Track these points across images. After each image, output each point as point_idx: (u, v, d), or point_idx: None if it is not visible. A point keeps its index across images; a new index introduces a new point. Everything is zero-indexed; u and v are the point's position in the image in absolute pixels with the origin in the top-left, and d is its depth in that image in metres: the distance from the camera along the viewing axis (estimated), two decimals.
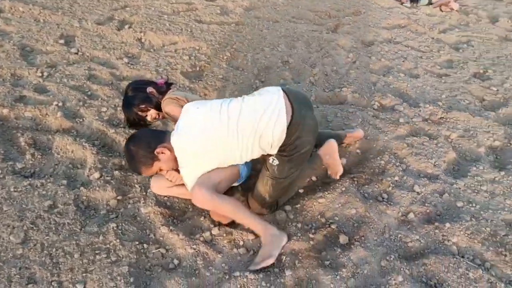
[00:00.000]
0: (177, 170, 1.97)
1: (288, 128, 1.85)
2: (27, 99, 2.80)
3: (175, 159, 1.90)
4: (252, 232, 1.94)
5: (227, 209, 1.85)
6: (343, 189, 2.20)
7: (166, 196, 2.13)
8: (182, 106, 2.05)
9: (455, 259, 1.84)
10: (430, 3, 5.54)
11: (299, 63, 3.62)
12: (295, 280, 1.71)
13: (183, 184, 1.98)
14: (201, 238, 1.89)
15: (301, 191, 2.26)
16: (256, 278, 1.68)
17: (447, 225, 2.00)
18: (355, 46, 4.10)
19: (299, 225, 2.02)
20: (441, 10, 5.41)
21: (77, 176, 2.22)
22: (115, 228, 1.88)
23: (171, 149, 1.90)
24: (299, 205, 2.13)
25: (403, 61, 3.82)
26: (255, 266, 1.73)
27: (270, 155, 1.98)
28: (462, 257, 1.87)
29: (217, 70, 3.39)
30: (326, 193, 2.17)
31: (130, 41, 3.77)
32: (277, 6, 5.06)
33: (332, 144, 2.21)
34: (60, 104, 2.74)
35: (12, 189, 2.04)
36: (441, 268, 1.79)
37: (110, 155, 2.40)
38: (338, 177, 2.24)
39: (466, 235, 1.96)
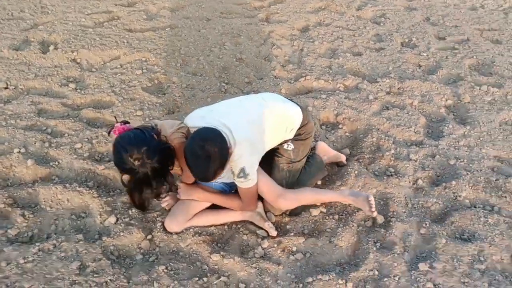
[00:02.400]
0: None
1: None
2: None
3: None
4: (300, 234, 1.96)
5: (310, 197, 2.06)
6: (356, 172, 2.33)
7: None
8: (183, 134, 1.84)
9: (472, 210, 2.10)
10: None
11: (253, 58, 3.63)
12: (366, 271, 1.78)
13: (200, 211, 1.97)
14: (256, 255, 1.85)
15: (319, 182, 2.32)
16: (330, 278, 1.72)
17: (453, 182, 2.26)
18: (294, 34, 4.23)
19: (336, 216, 2.09)
20: None
21: (89, 226, 1.96)
22: (165, 270, 1.73)
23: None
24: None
25: (342, 42, 4.08)
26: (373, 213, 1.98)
27: (285, 142, 2.09)
28: (475, 207, 2.14)
29: (177, 80, 3.23)
30: (344, 180, 2.28)
31: (64, 64, 3.36)
32: (201, 3, 4.93)
33: (322, 145, 2.42)
34: (23, 150, 2.36)
35: (21, 261, 1.73)
36: (467, 221, 2.03)
37: (112, 194, 2.16)
38: (345, 161, 2.42)
39: (470, 187, 2.25)
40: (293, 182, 2.12)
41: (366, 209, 1.98)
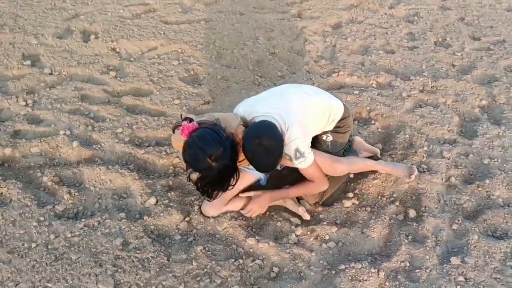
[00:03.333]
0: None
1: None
2: (25, 133, 2.49)
3: None
4: (333, 224, 2.00)
5: (360, 165, 2.20)
6: None
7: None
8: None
9: (505, 209, 2.10)
10: None
11: (285, 53, 3.68)
12: (398, 262, 1.82)
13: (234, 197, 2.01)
14: (290, 241, 1.91)
15: (351, 176, 2.36)
16: (363, 267, 1.77)
17: (487, 181, 2.26)
18: (327, 30, 4.25)
19: (368, 208, 2.13)
20: None
21: (130, 206, 2.06)
22: (203, 251, 1.82)
23: None
24: (357, 190, 2.23)
25: (374, 39, 4.07)
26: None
27: (325, 133, 2.13)
28: (508, 206, 2.14)
29: (212, 71, 3.31)
30: (377, 174, 2.30)
31: (105, 52, 3.49)
32: None
33: (358, 140, 2.46)
34: (68, 132, 2.49)
35: (69, 235, 1.84)
36: (500, 220, 2.04)
37: (152, 177, 2.26)
38: (379, 155, 2.46)
39: (504, 187, 2.24)
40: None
41: (406, 175, 2.16)
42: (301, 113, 1.92)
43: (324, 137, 2.13)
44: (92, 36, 3.68)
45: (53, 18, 3.98)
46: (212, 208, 1.99)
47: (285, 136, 1.82)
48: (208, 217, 2.00)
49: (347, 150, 2.29)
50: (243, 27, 4.15)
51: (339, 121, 2.13)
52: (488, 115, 2.95)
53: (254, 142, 1.72)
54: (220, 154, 1.62)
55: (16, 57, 3.25)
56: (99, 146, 2.43)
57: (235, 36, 3.93)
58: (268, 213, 2.08)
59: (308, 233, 1.96)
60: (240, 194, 2.04)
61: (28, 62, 3.22)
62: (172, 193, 2.13)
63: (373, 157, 2.45)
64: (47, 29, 3.72)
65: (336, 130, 2.14)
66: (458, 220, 2.03)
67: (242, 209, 2.03)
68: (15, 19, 3.85)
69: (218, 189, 1.72)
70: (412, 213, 2.08)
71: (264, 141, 1.71)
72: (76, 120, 2.59)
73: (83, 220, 1.93)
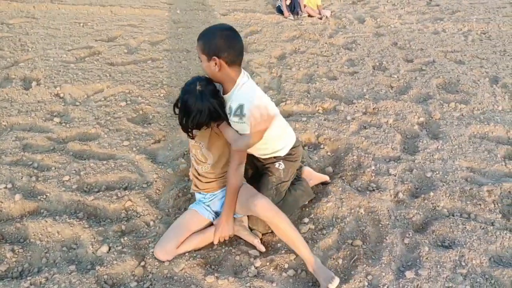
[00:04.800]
0: None
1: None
2: None
3: None
4: (291, 251, 2.01)
5: (285, 222, 1.87)
6: (340, 189, 2.43)
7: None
8: None
9: (450, 219, 2.22)
10: (309, 15, 6.27)
11: None
12: (356, 283, 1.85)
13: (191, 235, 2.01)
14: (250, 274, 1.89)
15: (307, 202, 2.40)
16: None
17: (431, 194, 2.39)
18: (272, 62, 4.43)
19: (324, 231, 2.16)
20: (319, 18, 6.16)
21: (81, 257, 1.96)
22: None
23: None
24: (312, 215, 2.27)
25: (317, 67, 4.28)
26: None
27: (277, 161, 2.18)
28: (453, 215, 2.26)
29: (161, 110, 3.31)
30: (330, 196, 2.37)
31: (48, 99, 3.41)
32: (179, 36, 5.12)
33: (307, 169, 2.50)
34: (10, 185, 2.36)
35: None
36: (446, 229, 2.14)
37: (103, 224, 2.17)
38: (329, 180, 2.54)
39: (447, 197, 2.38)
40: (277, 203, 2.12)
41: (325, 282, 1.79)
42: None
43: (277, 165, 2.17)
44: (34, 83, 3.59)
45: None
46: (163, 252, 1.93)
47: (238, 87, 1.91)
48: (163, 262, 1.94)
49: (298, 181, 2.34)
50: (190, 64, 4.22)
51: (291, 149, 2.19)
52: (426, 131, 3.15)
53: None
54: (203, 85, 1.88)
55: None
56: (44, 196, 2.31)
57: (183, 73, 3.98)
58: (226, 248, 2.05)
59: (267, 263, 1.95)
60: (194, 234, 2.02)
61: None
62: (125, 238, 2.06)
63: (324, 183, 2.51)
64: None
65: (288, 158, 2.19)
66: (409, 234, 2.11)
67: (195, 249, 2.01)
68: None
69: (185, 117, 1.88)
70: (366, 232, 2.14)
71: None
72: (18, 171, 2.47)
73: (28, 278, 1.80)
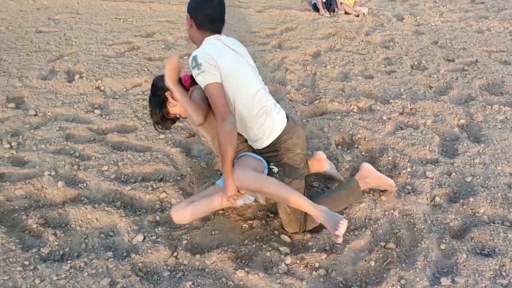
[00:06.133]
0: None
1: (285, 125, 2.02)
2: (9, 176, 2.47)
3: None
4: (323, 251, 2.00)
5: (273, 186, 1.80)
6: (374, 190, 2.38)
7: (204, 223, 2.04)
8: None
9: (491, 226, 2.12)
10: (346, 12, 6.16)
11: (268, 83, 3.77)
12: (389, 286, 1.81)
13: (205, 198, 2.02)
14: (280, 271, 1.89)
15: None
16: None
17: (471, 199, 2.30)
18: (306, 59, 4.39)
19: (357, 232, 2.13)
20: (356, 16, 6.04)
21: (117, 244, 2.04)
22: (193, 286, 1.79)
23: None
24: (344, 215, 2.24)
25: (353, 65, 4.21)
26: (339, 239, 1.71)
27: (269, 164, 2.04)
28: (493, 223, 2.17)
29: None
30: (363, 197, 2.32)
31: (89, 91, 3.54)
32: None
33: (366, 166, 2.30)
34: (53, 173, 2.48)
35: (54, 278, 1.80)
36: (486, 237, 2.06)
37: (139, 213, 2.24)
38: (394, 189, 2.32)
39: (488, 203, 2.28)
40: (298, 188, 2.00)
41: (332, 229, 1.72)
42: (233, 55, 1.91)
43: (274, 170, 2.02)
44: (77, 76, 3.73)
45: (37, 60, 4.03)
46: (175, 210, 1.98)
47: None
48: (197, 252, 1.98)
49: (349, 180, 2.19)
50: None
51: (275, 144, 1.99)
52: (467, 134, 3.03)
53: None
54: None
55: (0, 101, 3.26)
56: (84, 185, 2.41)
57: None
58: (257, 243, 2.06)
59: (298, 261, 1.94)
60: (203, 199, 2.02)
61: (13, 104, 3.23)
62: (160, 228, 2.11)
63: (389, 190, 2.33)
64: (32, 71, 3.76)
65: (274, 157, 2.01)
66: (446, 240, 2.05)
67: (206, 213, 2.06)
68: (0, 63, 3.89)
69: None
70: (400, 235, 2.09)
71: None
72: (61, 160, 2.59)
73: (69, 261, 1.89)
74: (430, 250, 1.98)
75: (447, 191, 2.41)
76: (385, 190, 2.37)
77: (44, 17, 5.23)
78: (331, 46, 4.81)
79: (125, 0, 6.15)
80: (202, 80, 1.82)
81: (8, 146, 2.71)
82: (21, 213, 2.19)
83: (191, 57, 1.85)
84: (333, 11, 6.15)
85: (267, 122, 1.97)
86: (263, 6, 6.37)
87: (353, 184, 2.26)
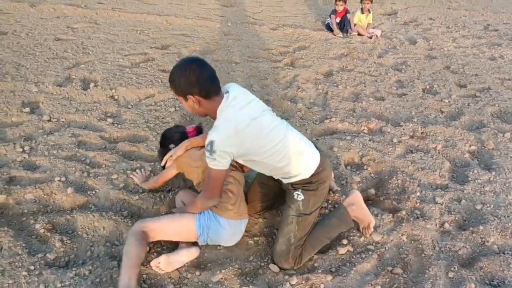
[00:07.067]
0: None
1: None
2: (20, 180, 2.50)
3: None
4: (328, 272, 1.98)
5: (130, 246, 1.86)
6: (383, 216, 2.35)
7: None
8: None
9: (501, 256, 2.09)
10: (359, 34, 6.22)
11: (279, 100, 3.79)
12: None
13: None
14: None
15: None
16: None
17: (480, 227, 2.27)
18: (318, 78, 4.42)
19: (363, 255, 2.10)
20: (369, 37, 6.10)
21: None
22: None
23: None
24: (351, 237, 2.22)
25: (364, 86, 4.22)
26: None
27: (295, 190, 2.02)
28: (503, 253, 2.13)
29: (208, 118, 3.38)
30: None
31: (103, 100, 3.59)
32: (229, 47, 5.23)
33: (356, 194, 2.24)
34: (63, 179, 2.50)
35: (58, 285, 1.80)
36: (496, 267, 2.02)
37: None
38: (371, 230, 2.20)
39: (498, 233, 2.25)
40: (302, 238, 1.99)
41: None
42: (251, 121, 1.83)
43: (295, 195, 2.00)
44: (92, 84, 3.79)
45: (54, 67, 4.11)
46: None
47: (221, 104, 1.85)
48: (201, 266, 1.96)
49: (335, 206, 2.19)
50: (238, 75, 4.31)
51: (311, 176, 1.99)
52: (478, 160, 3.01)
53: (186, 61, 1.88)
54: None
55: (16, 105, 3.32)
56: (93, 192, 2.43)
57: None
58: (262, 260, 2.05)
59: (303, 282, 1.92)
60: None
61: (28, 109, 3.29)
62: (165, 240, 2.11)
63: (364, 231, 2.22)
64: (48, 77, 3.84)
65: (307, 187, 1.99)
66: (454, 268, 2.01)
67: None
68: (18, 68, 3.98)
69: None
70: (408, 260, 2.06)
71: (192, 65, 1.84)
72: (72, 166, 2.61)
73: (74, 269, 1.90)
74: (438, 278, 1.94)
75: (456, 218, 2.38)
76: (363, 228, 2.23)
77: (63, 26, 5.35)
78: (344, 66, 4.84)
79: (143, 13, 6.28)
80: (209, 163, 1.81)
81: (21, 150, 2.75)
82: (30, 217, 2.21)
83: (208, 139, 1.78)
84: (347, 32, 6.21)
85: (302, 162, 1.99)
86: (277, 24, 6.46)
87: (343, 211, 2.18)
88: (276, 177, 2.09)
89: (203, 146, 2.07)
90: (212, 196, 1.88)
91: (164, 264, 1.90)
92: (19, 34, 4.89)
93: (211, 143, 1.76)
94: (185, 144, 2.20)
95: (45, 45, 4.62)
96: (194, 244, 2.05)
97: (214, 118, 1.88)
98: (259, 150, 1.88)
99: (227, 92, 1.89)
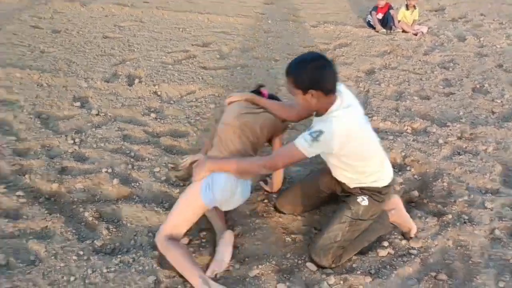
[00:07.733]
0: None
1: None
2: (71, 170, 2.63)
3: None
4: (367, 273, 1.94)
5: (176, 257, 1.88)
6: (427, 219, 2.27)
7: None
8: None
9: None
10: (403, 31, 6.01)
11: None
12: None
13: None
14: None
15: None
16: None
17: None
18: (359, 76, 4.32)
19: (405, 258, 2.04)
20: (414, 34, 5.87)
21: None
22: None
23: None
24: (392, 239, 2.16)
25: (408, 85, 4.08)
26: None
27: (361, 195, 2.01)
28: None
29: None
30: (414, 222, 2.22)
31: (147, 95, 3.70)
32: (269, 45, 5.23)
33: (395, 199, 2.22)
34: (110, 170, 2.61)
35: (105, 270, 1.88)
36: None
37: None
38: (414, 236, 2.15)
39: None
40: (347, 240, 1.99)
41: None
42: (360, 128, 1.87)
43: (360, 199, 2.00)
44: (136, 80, 3.93)
45: (102, 63, 4.30)
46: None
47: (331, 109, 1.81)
48: (240, 260, 1.98)
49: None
50: (277, 72, 4.30)
51: (383, 187, 2.01)
52: None
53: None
54: None
55: (68, 99, 3.51)
56: (137, 184, 2.52)
57: (270, 81, 4.07)
58: (300, 258, 2.04)
59: (341, 282, 1.89)
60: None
61: (78, 103, 3.46)
62: (204, 233, 2.15)
63: (407, 236, 2.16)
64: (97, 73, 4.02)
65: (375, 196, 2.00)
66: (505, 277, 1.90)
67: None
68: (69, 64, 4.20)
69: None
70: (453, 266, 1.97)
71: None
72: (118, 158, 2.72)
73: (119, 256, 1.97)
74: (486, 287, 1.85)
75: (508, 225, 2.25)
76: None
77: (111, 24, 5.58)
78: (386, 64, 4.71)
79: (185, 11, 6.41)
80: (301, 143, 1.80)
81: (72, 142, 2.89)
82: (79, 206, 2.32)
83: (318, 128, 1.78)
84: (390, 28, 6.02)
85: (385, 172, 2.04)
86: (318, 21, 6.38)
87: (383, 215, 2.13)
88: (352, 183, 2.03)
89: (258, 107, 2.12)
90: (272, 167, 1.91)
91: (218, 267, 1.90)
92: (70, 32, 5.15)
93: (321, 132, 1.76)
94: (248, 95, 2.18)
95: (94, 43, 4.84)
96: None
97: (322, 114, 1.87)
98: (358, 156, 1.90)
99: (339, 91, 1.87)
